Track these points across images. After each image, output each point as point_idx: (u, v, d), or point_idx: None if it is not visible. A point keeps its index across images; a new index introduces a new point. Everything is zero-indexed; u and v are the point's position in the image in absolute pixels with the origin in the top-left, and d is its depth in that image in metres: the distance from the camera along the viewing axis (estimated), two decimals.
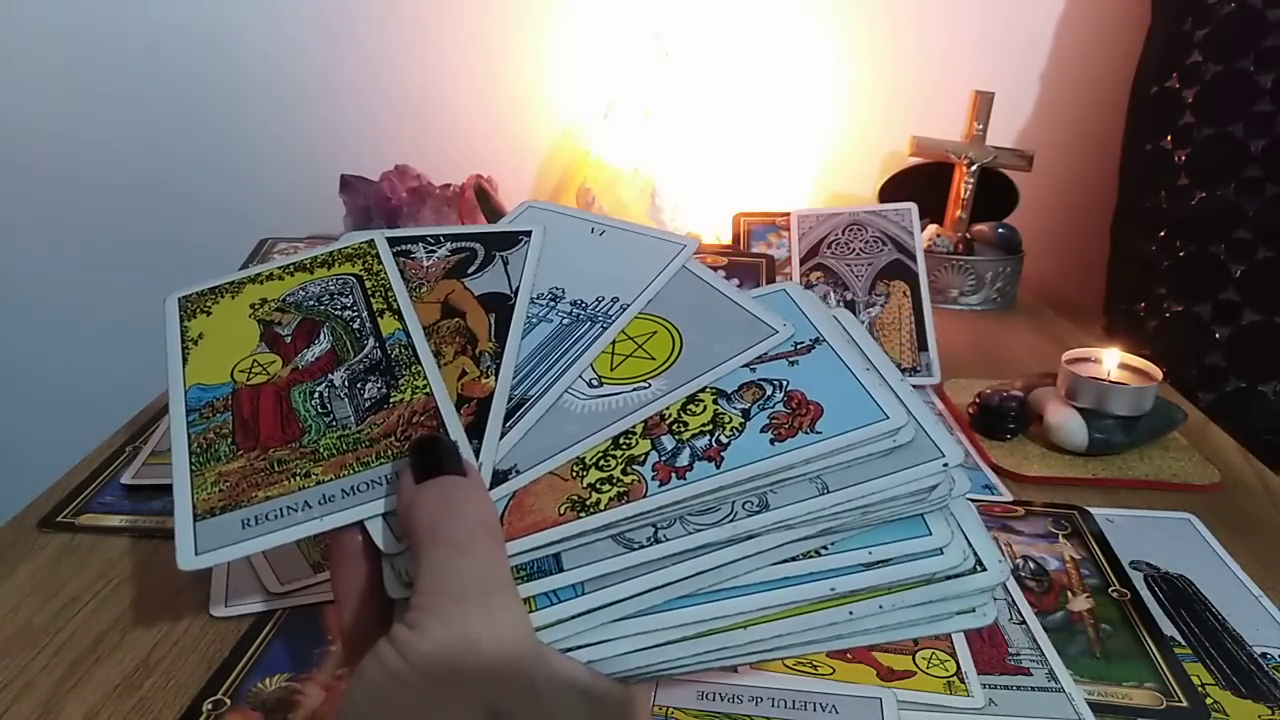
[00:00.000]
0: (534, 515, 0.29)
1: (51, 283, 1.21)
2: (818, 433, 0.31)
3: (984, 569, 0.29)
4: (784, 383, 0.33)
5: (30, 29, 1.10)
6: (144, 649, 0.45)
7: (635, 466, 0.31)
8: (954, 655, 0.45)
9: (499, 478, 0.31)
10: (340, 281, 0.38)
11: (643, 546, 0.29)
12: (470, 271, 0.39)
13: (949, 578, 0.29)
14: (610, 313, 0.37)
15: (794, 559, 0.29)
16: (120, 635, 0.45)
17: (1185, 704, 0.42)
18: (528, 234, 0.40)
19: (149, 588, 0.49)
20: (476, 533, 0.27)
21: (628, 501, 0.29)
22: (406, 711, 0.25)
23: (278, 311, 0.37)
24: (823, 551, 0.29)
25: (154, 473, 0.60)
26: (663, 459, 0.31)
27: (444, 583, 0.26)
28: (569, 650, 0.28)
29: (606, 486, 0.30)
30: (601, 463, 0.31)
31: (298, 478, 0.31)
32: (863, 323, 0.77)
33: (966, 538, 0.30)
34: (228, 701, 0.41)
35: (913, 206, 0.81)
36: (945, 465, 0.30)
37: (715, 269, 0.77)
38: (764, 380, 0.34)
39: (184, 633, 0.46)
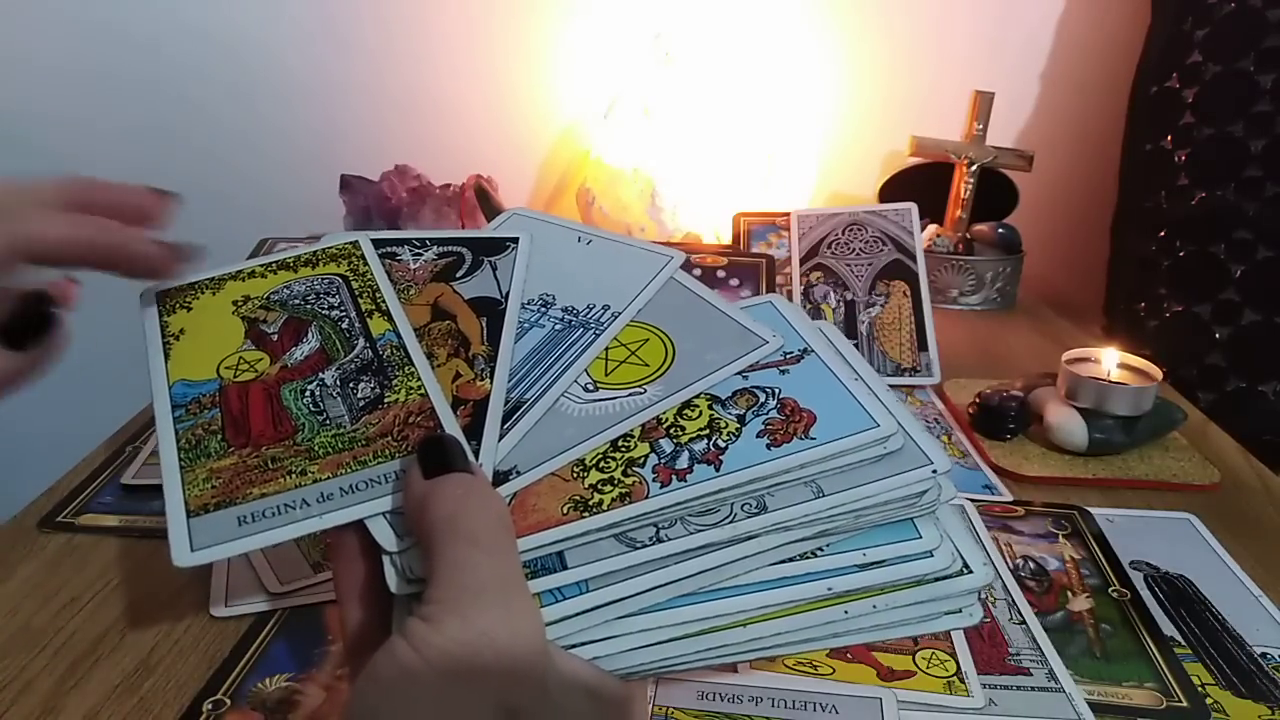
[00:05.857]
0: (537, 514, 0.30)
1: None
2: (812, 439, 0.32)
3: (970, 571, 0.31)
4: (777, 390, 0.34)
5: (37, 21, 1.10)
6: (144, 649, 0.45)
7: (635, 468, 0.31)
8: (954, 655, 0.45)
9: (499, 479, 0.31)
10: (325, 281, 0.38)
11: (645, 546, 0.29)
12: (458, 275, 0.39)
13: (938, 579, 0.30)
14: (602, 320, 0.37)
15: (792, 559, 0.30)
16: (120, 635, 0.45)
17: (1185, 704, 0.43)
18: (515, 240, 0.41)
19: (149, 588, 0.49)
20: (495, 528, 0.27)
21: (630, 502, 0.30)
22: (420, 708, 0.24)
23: (262, 309, 0.37)
24: (819, 553, 0.30)
25: (154, 473, 0.60)
26: (662, 461, 0.31)
27: (463, 577, 0.25)
28: (573, 647, 0.28)
29: (608, 487, 0.30)
30: (601, 464, 0.31)
31: (294, 475, 0.31)
32: (863, 323, 0.77)
33: (953, 542, 0.31)
34: (228, 701, 0.41)
35: (913, 206, 0.81)
36: (934, 472, 0.31)
37: (715, 269, 0.77)
38: (757, 388, 0.34)
39: (184, 633, 0.46)
